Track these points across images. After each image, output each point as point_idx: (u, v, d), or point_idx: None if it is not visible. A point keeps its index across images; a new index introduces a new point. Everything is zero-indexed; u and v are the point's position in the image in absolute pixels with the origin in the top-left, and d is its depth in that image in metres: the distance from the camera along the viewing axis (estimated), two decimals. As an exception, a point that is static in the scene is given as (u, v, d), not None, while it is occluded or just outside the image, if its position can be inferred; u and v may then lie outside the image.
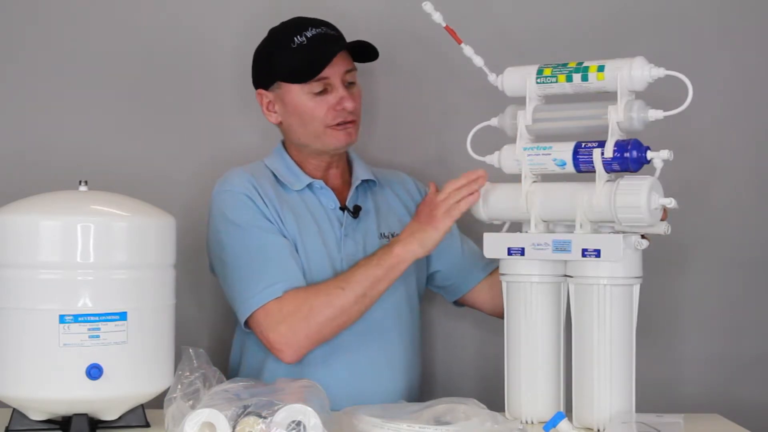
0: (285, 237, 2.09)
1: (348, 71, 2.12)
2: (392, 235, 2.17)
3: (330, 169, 2.20)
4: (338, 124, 2.12)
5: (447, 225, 1.98)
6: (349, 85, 2.13)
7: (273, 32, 2.16)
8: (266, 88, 2.17)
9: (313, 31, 2.10)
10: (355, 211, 2.17)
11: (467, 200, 1.96)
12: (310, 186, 2.17)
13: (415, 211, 2.07)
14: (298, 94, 2.12)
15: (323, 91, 2.11)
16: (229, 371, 2.19)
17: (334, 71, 2.10)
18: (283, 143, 2.22)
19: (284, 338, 2.00)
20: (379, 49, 2.14)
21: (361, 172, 2.21)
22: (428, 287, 2.31)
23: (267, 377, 2.05)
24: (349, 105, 2.10)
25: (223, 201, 2.11)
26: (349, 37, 2.16)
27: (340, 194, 2.19)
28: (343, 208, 2.17)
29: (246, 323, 2.05)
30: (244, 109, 2.42)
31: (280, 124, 2.18)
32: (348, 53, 2.13)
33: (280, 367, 2.05)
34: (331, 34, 2.12)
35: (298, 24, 2.12)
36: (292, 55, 2.10)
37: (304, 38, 2.09)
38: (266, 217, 2.09)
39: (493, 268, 2.22)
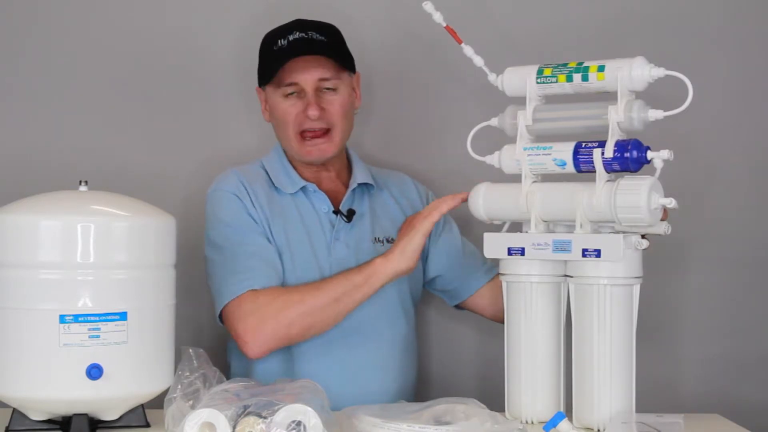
0: (269, 241, 2.09)
1: (324, 79, 2.11)
2: (387, 240, 2.18)
3: (321, 173, 2.19)
4: (305, 133, 2.11)
5: (426, 226, 1.99)
6: (326, 91, 2.12)
7: (266, 34, 2.17)
8: (260, 86, 2.19)
9: (296, 35, 2.10)
10: (349, 215, 2.16)
11: (447, 202, 1.98)
12: (303, 189, 2.17)
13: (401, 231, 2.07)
14: (273, 95, 2.13)
15: (296, 96, 2.11)
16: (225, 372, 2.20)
17: (306, 77, 2.10)
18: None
19: (251, 330, 1.99)
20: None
21: (359, 175, 2.20)
22: (430, 290, 2.31)
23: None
24: (312, 113, 2.09)
25: (214, 199, 2.13)
26: (349, 39, 2.16)
27: (336, 197, 2.19)
28: (336, 211, 2.16)
29: (221, 318, 2.07)
30: (244, 110, 2.43)
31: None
32: (333, 60, 2.11)
33: (269, 371, 2.06)
34: (317, 39, 2.10)
35: (288, 27, 2.13)
36: (269, 58, 2.12)
37: (285, 42, 2.10)
38: (253, 217, 2.10)
39: (494, 273, 2.21)
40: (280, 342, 2.02)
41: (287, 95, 2.11)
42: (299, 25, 2.12)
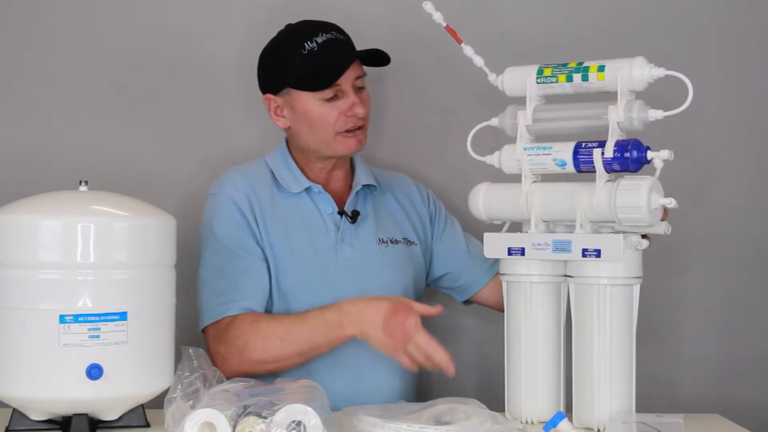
0: (263, 251, 2.08)
1: (358, 77, 2.11)
2: (390, 241, 2.17)
3: (333, 172, 2.19)
4: (348, 131, 2.10)
5: (396, 357, 1.96)
6: (358, 90, 2.12)
7: (282, 36, 2.13)
8: (275, 92, 2.14)
9: (324, 37, 2.08)
10: (353, 216, 2.16)
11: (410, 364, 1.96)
12: (308, 190, 2.16)
13: (391, 312, 1.96)
14: (308, 100, 2.10)
15: (334, 97, 2.09)
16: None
17: (346, 77, 2.08)
18: (287, 142, 2.21)
19: (220, 358, 2.02)
20: (379, 50, 2.12)
21: (362, 177, 2.20)
22: (437, 288, 2.31)
23: None
24: (360, 111, 2.08)
25: (211, 205, 2.13)
26: (354, 40, 2.15)
27: (340, 198, 2.18)
28: (341, 212, 2.16)
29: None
30: (245, 110, 2.42)
31: (288, 129, 2.16)
32: (358, 58, 2.11)
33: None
34: (342, 39, 2.10)
35: (308, 29, 2.10)
36: (303, 62, 2.07)
37: (314, 44, 2.07)
38: (249, 228, 2.09)
39: None
40: (248, 374, 2.00)
41: (327, 98, 2.08)
42: (318, 26, 2.10)
